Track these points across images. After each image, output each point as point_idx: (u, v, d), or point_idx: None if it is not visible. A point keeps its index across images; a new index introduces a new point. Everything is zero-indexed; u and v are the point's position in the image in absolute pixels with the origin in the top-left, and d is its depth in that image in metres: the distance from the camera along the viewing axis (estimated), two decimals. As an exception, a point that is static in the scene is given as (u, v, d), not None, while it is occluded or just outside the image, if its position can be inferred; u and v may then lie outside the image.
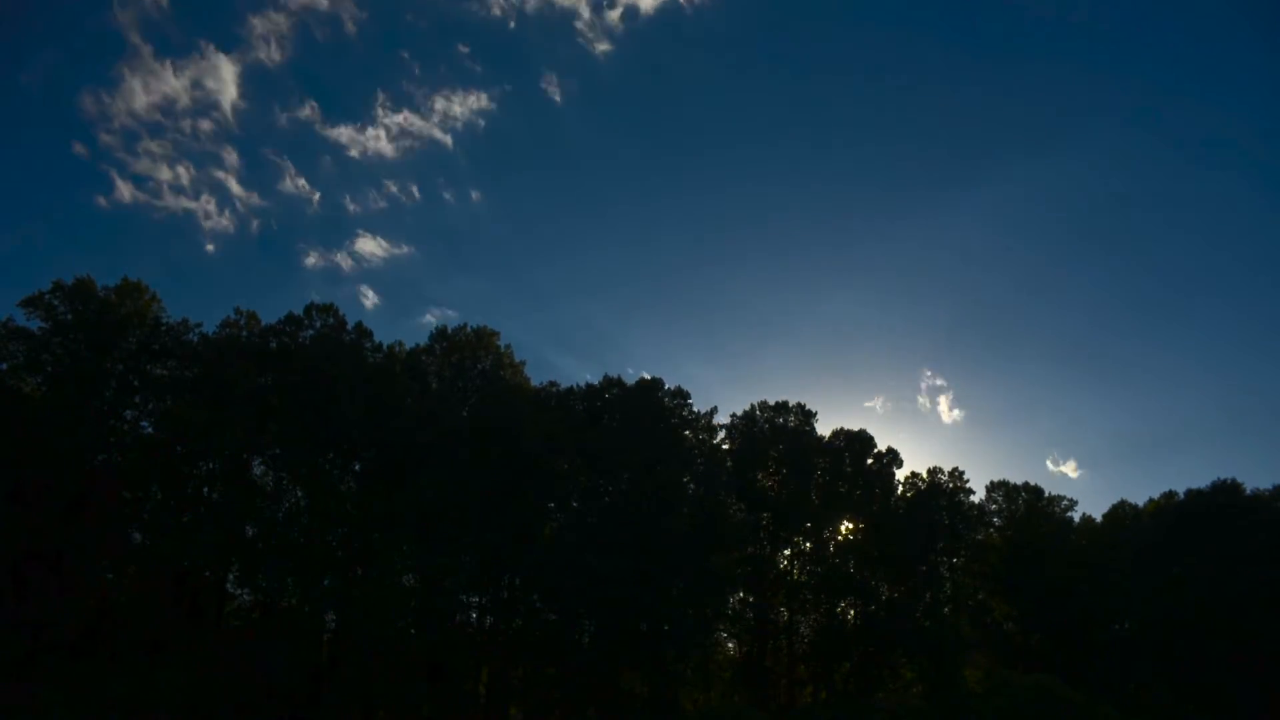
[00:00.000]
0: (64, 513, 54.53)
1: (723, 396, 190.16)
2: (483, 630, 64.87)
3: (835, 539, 75.72)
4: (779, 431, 76.43)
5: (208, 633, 57.46)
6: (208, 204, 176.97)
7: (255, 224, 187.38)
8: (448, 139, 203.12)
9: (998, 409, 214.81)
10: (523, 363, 72.31)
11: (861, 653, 72.32)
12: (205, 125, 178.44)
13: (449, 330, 70.54)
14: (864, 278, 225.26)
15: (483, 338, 70.64)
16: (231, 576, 60.67)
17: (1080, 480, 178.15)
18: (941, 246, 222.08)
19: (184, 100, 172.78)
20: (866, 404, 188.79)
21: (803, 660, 73.18)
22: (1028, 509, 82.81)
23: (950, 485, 79.58)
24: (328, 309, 65.72)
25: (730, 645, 75.70)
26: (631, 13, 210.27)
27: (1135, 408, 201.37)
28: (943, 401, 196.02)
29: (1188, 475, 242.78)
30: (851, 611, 74.86)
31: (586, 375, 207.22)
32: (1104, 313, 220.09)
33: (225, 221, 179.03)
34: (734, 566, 71.29)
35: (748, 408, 77.69)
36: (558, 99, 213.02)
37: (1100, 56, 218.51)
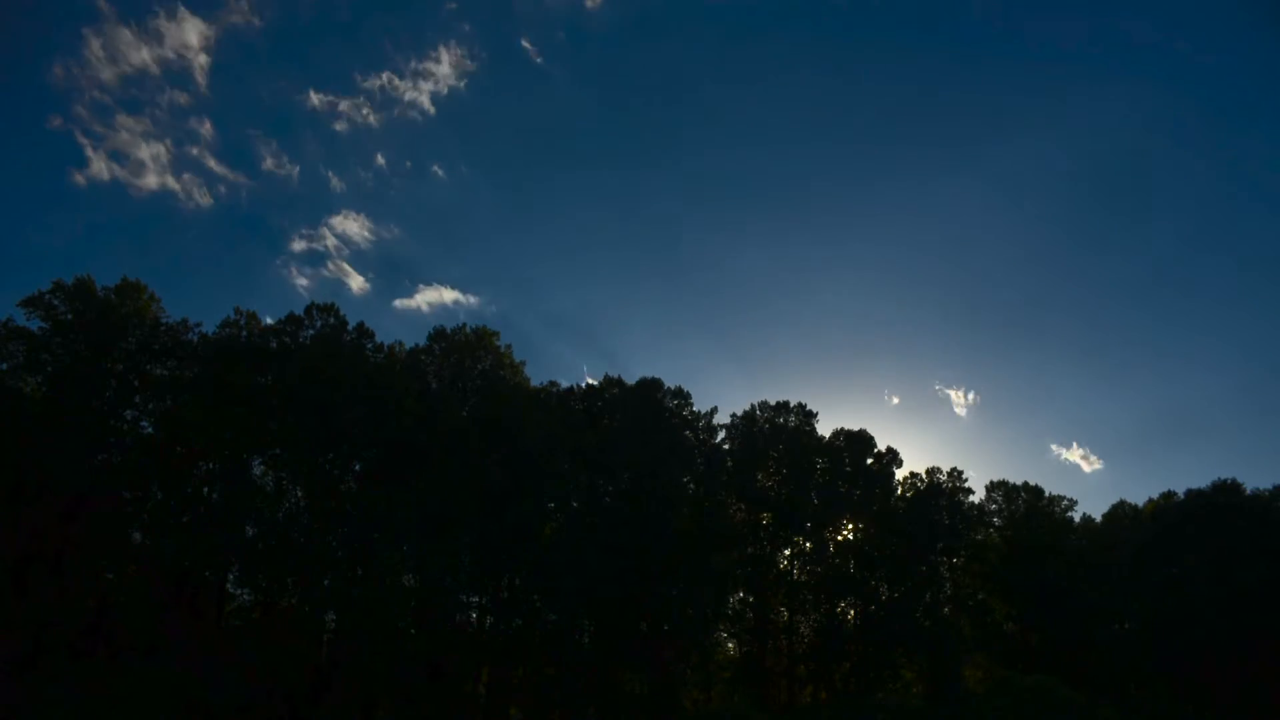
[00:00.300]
0: (64, 513, 54.56)
1: (724, 381, 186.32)
2: (483, 630, 64.86)
3: (835, 539, 75.72)
4: (779, 431, 76.46)
5: (208, 633, 57.45)
6: (185, 182, 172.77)
7: (234, 202, 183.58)
8: (431, 108, 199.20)
9: (1012, 399, 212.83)
10: (522, 362, 72.54)
11: (861, 653, 72.28)
12: (180, 98, 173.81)
13: (448, 330, 70.73)
14: (870, 262, 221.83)
15: (482, 338, 70.75)
16: (231, 576, 60.67)
17: (1100, 473, 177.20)
18: (946, 225, 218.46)
19: (154, 69, 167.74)
20: (870, 393, 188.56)
21: (803, 660, 73.15)
22: (1027, 509, 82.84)
23: (950, 485, 79.61)
24: (328, 309, 65.87)
25: (730, 645, 75.70)
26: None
27: (1154, 398, 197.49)
28: (954, 393, 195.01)
29: (1209, 468, 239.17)
30: (851, 611, 74.85)
31: (581, 362, 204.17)
32: (1114, 299, 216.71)
33: (204, 199, 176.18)
34: (734, 566, 71.35)
35: (748, 408, 77.89)
36: (545, 58, 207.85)
37: (1111, 13, 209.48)
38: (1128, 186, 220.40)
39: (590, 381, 75.15)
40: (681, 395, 73.35)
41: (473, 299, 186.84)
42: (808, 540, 75.44)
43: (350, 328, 66.01)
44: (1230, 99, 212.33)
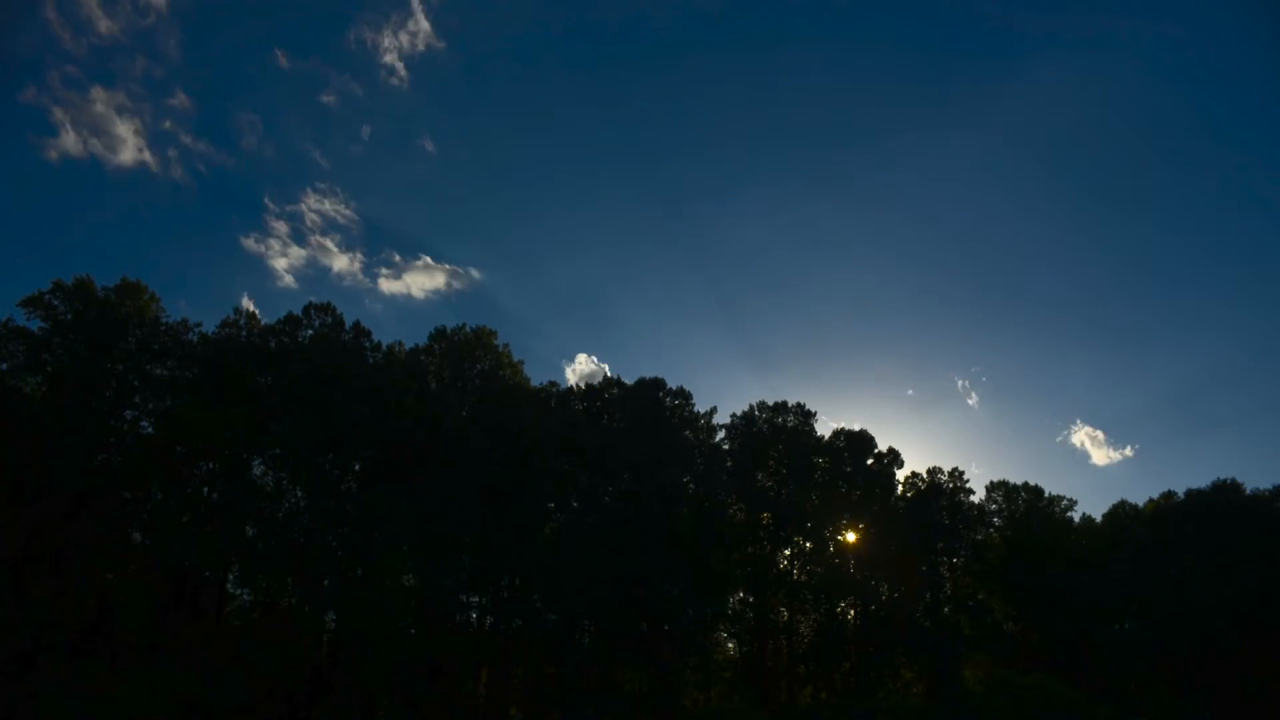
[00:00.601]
0: (64, 513, 54.57)
1: (731, 377, 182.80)
2: (483, 630, 64.88)
3: (835, 539, 75.72)
4: (779, 431, 76.47)
5: (208, 633, 57.46)
6: (166, 158, 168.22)
7: (212, 177, 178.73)
8: (407, 72, 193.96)
9: (1022, 391, 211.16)
10: (521, 362, 72.78)
11: (861, 653, 72.31)
12: (155, 70, 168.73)
13: (447, 330, 70.78)
14: (872, 263, 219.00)
15: (481, 337, 70.81)
16: (231, 576, 60.71)
17: (1112, 467, 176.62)
18: (953, 219, 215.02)
19: (124, 38, 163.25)
20: (884, 387, 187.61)
21: (803, 660, 73.14)
22: (1027, 509, 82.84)
23: (950, 485, 79.65)
24: (326, 308, 65.96)
25: (730, 645, 75.73)
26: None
27: (1154, 397, 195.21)
28: (966, 382, 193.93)
29: (1208, 467, 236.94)
30: (851, 611, 74.88)
31: (577, 346, 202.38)
32: (1116, 297, 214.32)
33: (181, 175, 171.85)
34: (734, 566, 71.36)
35: (747, 407, 77.88)
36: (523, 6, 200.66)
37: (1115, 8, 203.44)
38: (1130, 185, 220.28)
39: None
40: (682, 395, 73.39)
41: (462, 278, 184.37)
42: (808, 540, 75.43)
43: (348, 327, 66.10)
44: (1235, 91, 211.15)
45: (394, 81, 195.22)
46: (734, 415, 77.12)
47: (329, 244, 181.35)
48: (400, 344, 68.90)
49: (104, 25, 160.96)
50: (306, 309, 65.57)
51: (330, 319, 65.58)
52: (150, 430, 61.49)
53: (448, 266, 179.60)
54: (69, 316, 59.55)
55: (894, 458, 78.19)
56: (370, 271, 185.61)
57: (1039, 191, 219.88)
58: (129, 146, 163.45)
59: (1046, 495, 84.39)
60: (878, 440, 78.60)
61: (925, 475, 79.84)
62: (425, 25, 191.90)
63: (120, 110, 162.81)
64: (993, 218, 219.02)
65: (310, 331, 64.87)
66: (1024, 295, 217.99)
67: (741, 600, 74.09)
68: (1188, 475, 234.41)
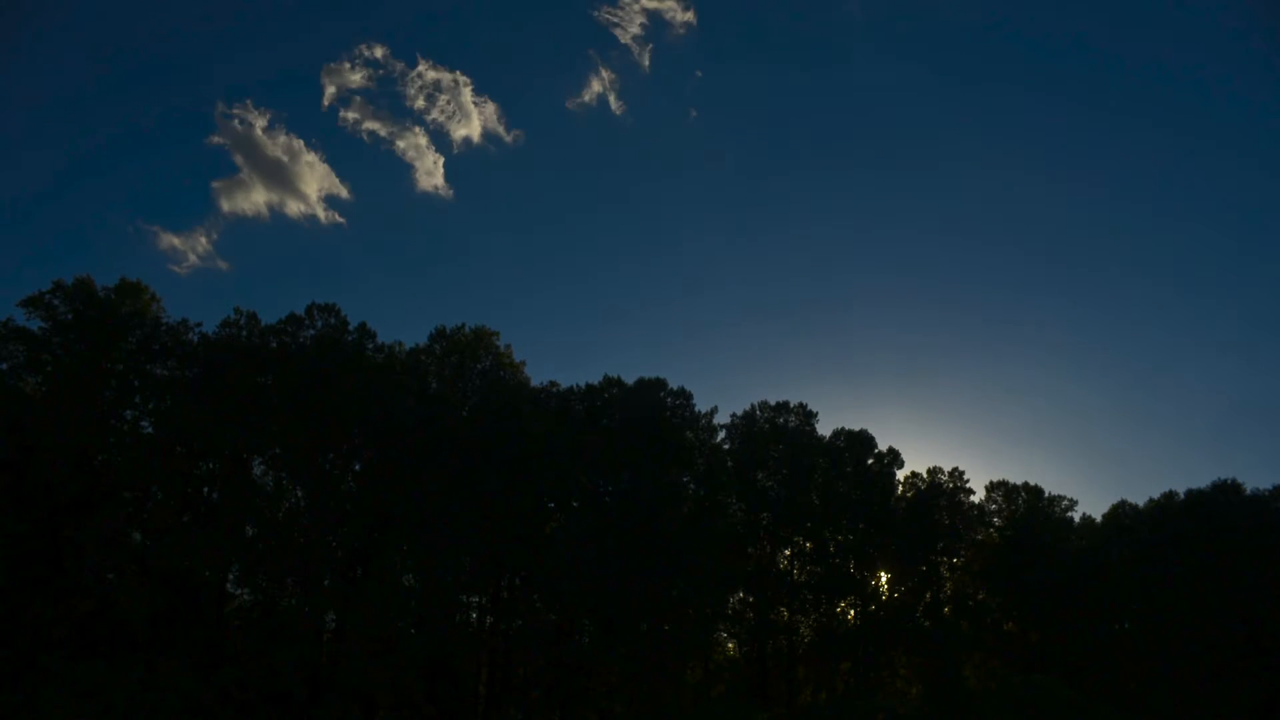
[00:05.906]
0: (64, 513, 54.60)
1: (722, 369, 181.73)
2: (483, 630, 64.89)
3: (835, 539, 75.70)
4: (779, 431, 76.41)
5: (208, 633, 57.48)
6: None
7: None
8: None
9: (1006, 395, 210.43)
10: (522, 362, 72.57)
11: (861, 653, 72.30)
12: None
13: (447, 330, 70.64)
14: (883, 277, 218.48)
15: (482, 337, 70.71)
16: (231, 576, 60.75)
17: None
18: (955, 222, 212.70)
19: None
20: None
21: (803, 660, 73.18)
22: (1027, 509, 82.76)
23: (950, 485, 79.59)
24: (328, 308, 65.88)
25: (730, 645, 75.70)
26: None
27: (1155, 397, 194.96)
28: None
29: (1209, 468, 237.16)
30: (851, 611, 74.89)
31: (581, 358, 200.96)
32: (1115, 296, 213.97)
33: None
34: (734, 566, 71.32)
35: (748, 408, 77.81)
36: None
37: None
38: (1126, 191, 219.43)
39: (591, 381, 74.78)
40: (682, 395, 73.29)
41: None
42: (808, 540, 75.43)
43: (351, 327, 66.07)
44: (1228, 110, 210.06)
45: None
46: (734, 415, 77.13)
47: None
48: (400, 344, 68.89)
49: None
50: (309, 309, 65.57)
51: (334, 319, 65.57)
52: (150, 430, 61.52)
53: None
54: (69, 316, 59.57)
55: (894, 458, 78.19)
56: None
57: (1030, 208, 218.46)
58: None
59: (1046, 495, 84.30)
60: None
61: (925, 475, 79.82)
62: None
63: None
64: (987, 230, 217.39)
65: (312, 332, 64.83)
66: (1014, 307, 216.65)
67: (741, 600, 74.07)
68: (1188, 475, 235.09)
